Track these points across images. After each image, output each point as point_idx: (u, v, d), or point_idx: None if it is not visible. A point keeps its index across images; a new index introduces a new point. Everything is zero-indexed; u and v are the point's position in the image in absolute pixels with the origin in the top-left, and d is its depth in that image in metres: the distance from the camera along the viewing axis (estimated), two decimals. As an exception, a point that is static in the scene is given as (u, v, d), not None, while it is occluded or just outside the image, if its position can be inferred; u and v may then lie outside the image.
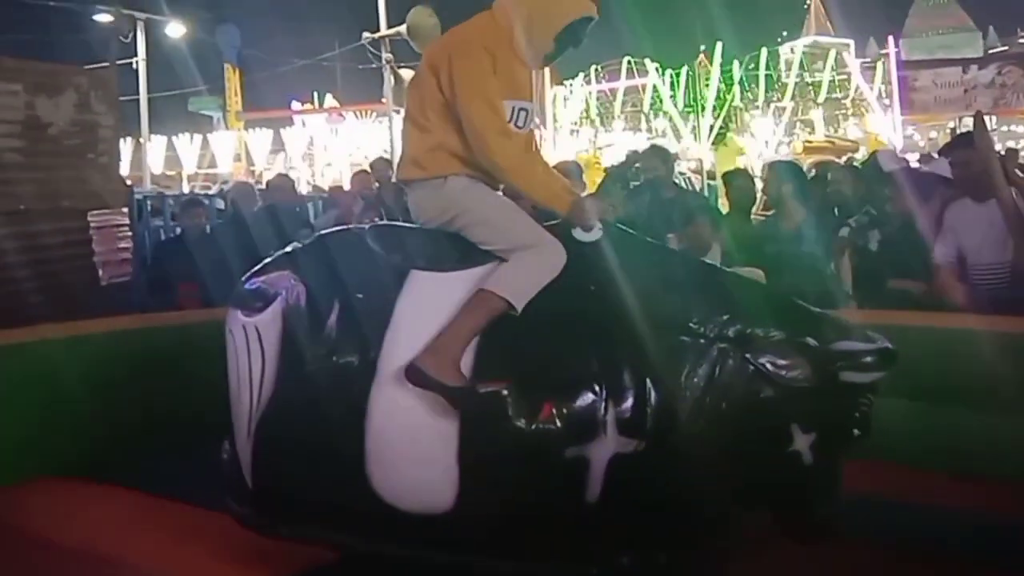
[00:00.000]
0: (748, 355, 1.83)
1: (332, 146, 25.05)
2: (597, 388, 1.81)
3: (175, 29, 16.34)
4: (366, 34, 12.02)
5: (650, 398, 1.81)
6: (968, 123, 22.65)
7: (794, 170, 4.06)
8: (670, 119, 20.99)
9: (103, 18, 13.40)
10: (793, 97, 21.24)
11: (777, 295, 2.08)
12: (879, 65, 21.54)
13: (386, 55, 11.80)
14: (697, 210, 3.90)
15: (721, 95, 20.90)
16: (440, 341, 1.84)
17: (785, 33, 27.40)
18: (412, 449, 1.82)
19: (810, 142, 19.88)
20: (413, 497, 1.84)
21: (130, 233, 4.58)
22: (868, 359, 1.84)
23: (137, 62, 13.37)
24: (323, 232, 2.24)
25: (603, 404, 1.79)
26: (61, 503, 2.68)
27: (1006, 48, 27.63)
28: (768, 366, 1.82)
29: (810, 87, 21.44)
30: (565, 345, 1.86)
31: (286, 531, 2.04)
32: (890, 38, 20.02)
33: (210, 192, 11.02)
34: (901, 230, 3.52)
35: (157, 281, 4.89)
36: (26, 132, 3.84)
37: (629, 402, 1.80)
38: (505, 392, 1.78)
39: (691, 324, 1.87)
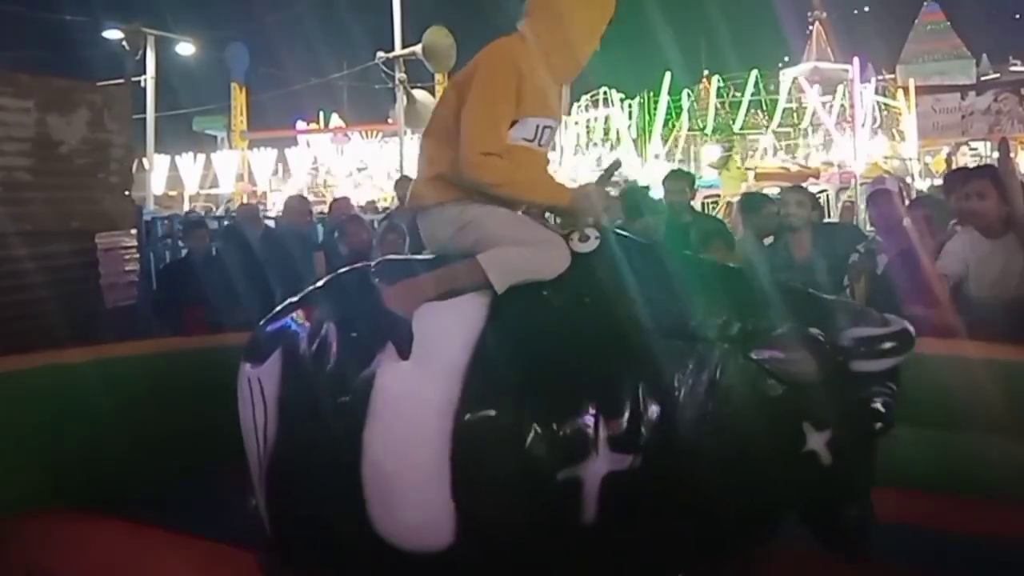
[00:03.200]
0: (751, 353, 1.72)
1: (336, 166, 25.14)
2: (589, 405, 1.73)
3: (185, 48, 16.44)
4: (380, 53, 12.08)
5: (645, 411, 1.72)
6: (964, 149, 22.92)
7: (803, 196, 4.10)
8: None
9: (113, 35, 13.46)
10: (744, 124, 21.33)
11: (779, 285, 1.93)
12: (843, 89, 21.46)
13: (400, 75, 11.84)
14: (713, 234, 3.89)
15: (671, 121, 21.10)
16: (416, 279, 1.88)
17: (787, 59, 27.69)
18: (407, 487, 1.78)
19: (764, 169, 19.85)
20: (413, 537, 1.80)
21: (137, 255, 4.56)
22: (880, 345, 1.71)
23: (145, 80, 13.41)
24: (330, 276, 2.20)
25: (595, 422, 1.72)
26: (67, 535, 2.59)
27: (998, 76, 27.93)
28: (771, 363, 1.71)
29: (764, 113, 21.52)
30: (557, 359, 1.79)
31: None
32: (855, 59, 20.06)
33: (215, 214, 11.03)
34: (901, 256, 3.50)
35: (163, 305, 4.86)
36: (37, 150, 3.78)
37: (623, 417, 1.72)
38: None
39: (690, 326, 1.77)
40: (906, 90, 23.34)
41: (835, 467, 1.74)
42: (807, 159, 21.13)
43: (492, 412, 1.76)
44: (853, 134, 18.78)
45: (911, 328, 1.77)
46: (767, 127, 21.34)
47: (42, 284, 3.56)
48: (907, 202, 4.05)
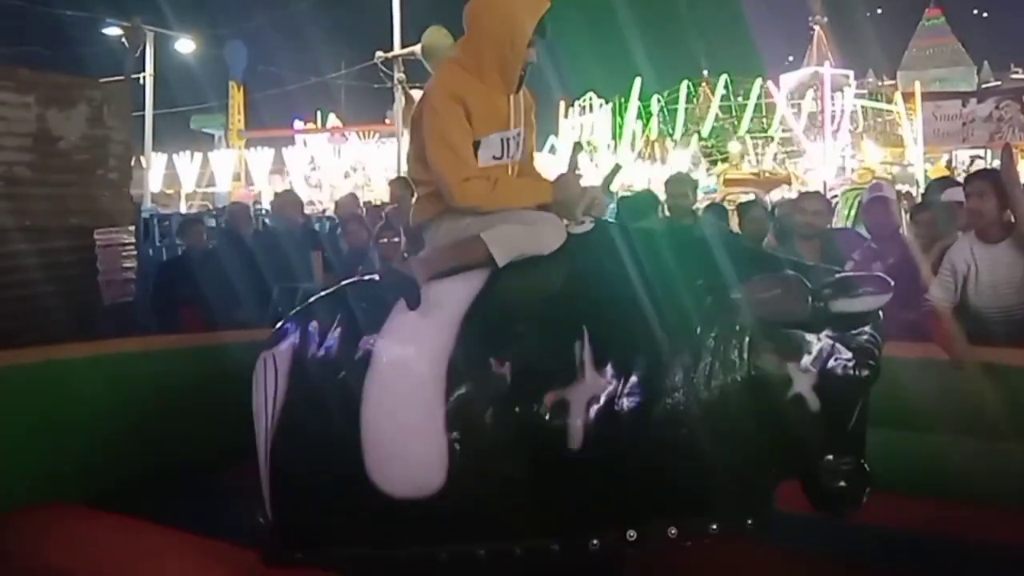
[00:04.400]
0: (734, 295, 1.76)
1: (333, 166, 25.12)
2: (578, 338, 1.79)
3: (184, 45, 16.41)
4: (379, 53, 12.09)
5: (634, 354, 1.77)
6: (963, 157, 23.01)
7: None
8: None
9: (113, 32, 13.44)
10: (713, 130, 21.37)
11: (758, 250, 2.05)
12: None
13: (399, 75, 11.85)
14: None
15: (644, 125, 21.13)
16: (427, 256, 2.09)
17: (791, 58, 27.69)
18: (403, 430, 1.87)
19: (732, 175, 19.83)
20: (406, 480, 1.87)
21: (135, 252, 4.54)
22: (859, 286, 1.73)
23: (144, 77, 13.39)
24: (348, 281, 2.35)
25: (581, 349, 1.79)
26: (64, 530, 2.59)
27: (999, 83, 28.02)
28: (754, 301, 1.73)
29: (732, 119, 21.55)
30: (550, 315, 1.89)
31: (301, 557, 2.05)
32: (826, 63, 20.05)
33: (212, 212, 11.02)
34: (899, 263, 3.51)
35: (160, 302, 4.85)
36: (37, 146, 3.77)
37: (612, 349, 1.79)
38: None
39: (679, 283, 1.83)
40: (907, 95, 23.34)
41: (823, 414, 1.73)
42: (780, 164, 21.16)
43: (483, 357, 1.86)
44: (823, 140, 18.82)
45: (884, 276, 1.81)
46: (735, 132, 21.38)
47: (41, 280, 3.55)
48: (905, 209, 4.05)
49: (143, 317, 4.50)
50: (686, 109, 21.39)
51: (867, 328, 1.75)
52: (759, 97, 21.55)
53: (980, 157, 21.67)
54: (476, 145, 2.06)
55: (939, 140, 23.00)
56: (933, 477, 2.73)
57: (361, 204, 8.51)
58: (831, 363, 1.74)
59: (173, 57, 17.27)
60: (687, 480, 1.76)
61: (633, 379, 1.76)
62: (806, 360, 1.73)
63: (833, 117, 20.77)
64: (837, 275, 1.82)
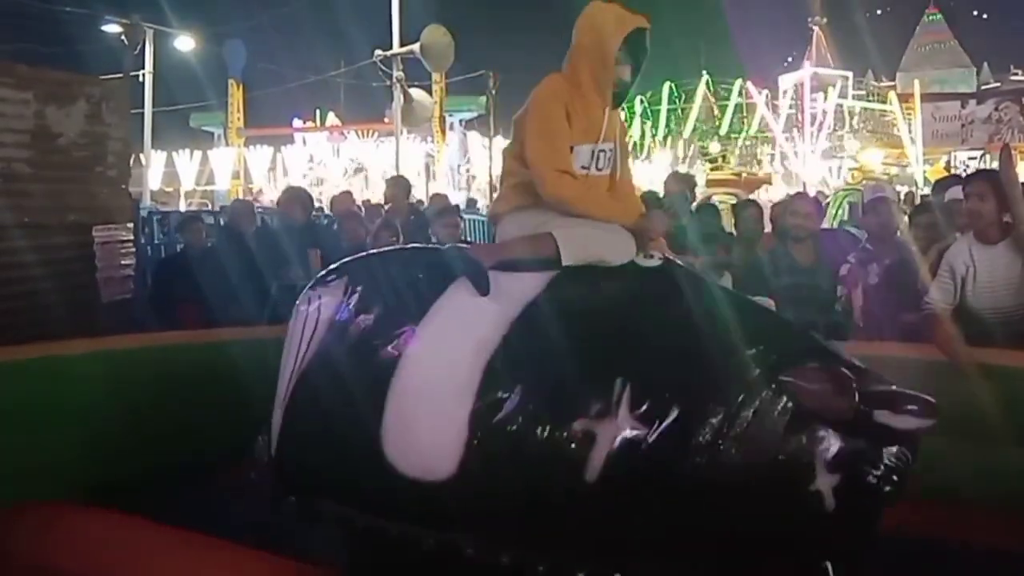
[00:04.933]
0: (781, 376, 1.75)
1: (332, 164, 25.08)
2: (619, 375, 1.78)
3: (184, 43, 16.38)
4: (378, 52, 12.07)
5: (670, 402, 1.76)
6: (962, 158, 22.98)
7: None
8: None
9: (112, 29, 13.41)
10: (695, 129, 21.37)
11: (817, 340, 2.00)
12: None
13: (397, 73, 11.84)
14: (713, 236, 3.91)
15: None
16: (495, 244, 2.16)
17: (791, 58, 27.68)
18: (428, 409, 1.86)
19: (715, 175, 19.82)
20: (419, 461, 1.86)
21: (133, 249, 4.53)
22: (908, 403, 1.71)
23: (143, 75, 13.37)
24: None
25: (621, 388, 1.77)
26: (61, 527, 2.58)
27: (998, 85, 28.01)
28: (798, 390, 1.72)
29: (715, 120, 21.54)
30: (601, 334, 1.88)
31: (293, 502, 2.06)
32: (805, 63, 20.00)
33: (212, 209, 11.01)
34: (897, 264, 3.51)
35: (158, 300, 4.84)
36: (35, 142, 3.75)
37: (649, 395, 1.77)
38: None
39: (726, 346, 1.82)
40: (905, 96, 23.31)
41: (836, 515, 1.71)
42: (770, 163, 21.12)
43: (526, 359, 1.85)
44: (803, 141, 18.80)
45: (932, 399, 1.77)
46: (716, 133, 21.39)
47: (39, 276, 3.54)
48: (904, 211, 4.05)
49: (141, 314, 4.49)
50: (669, 110, 21.43)
51: (902, 446, 1.73)
52: (740, 97, 21.58)
53: (974, 158, 21.68)
54: (570, 151, 2.14)
55: (938, 141, 23.03)
56: (929, 479, 2.73)
57: (359, 202, 8.51)
58: (858, 470, 1.71)
59: (172, 55, 17.24)
60: (684, 537, 1.74)
61: (662, 430, 1.74)
62: (835, 460, 1.71)
63: (814, 118, 20.73)
64: (889, 387, 1.78)
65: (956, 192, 3.61)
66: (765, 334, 1.88)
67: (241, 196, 18.23)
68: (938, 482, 2.70)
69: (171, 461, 2.87)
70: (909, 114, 22.25)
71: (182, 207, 18.76)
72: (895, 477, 1.71)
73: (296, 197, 5.39)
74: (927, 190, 17.42)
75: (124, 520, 2.58)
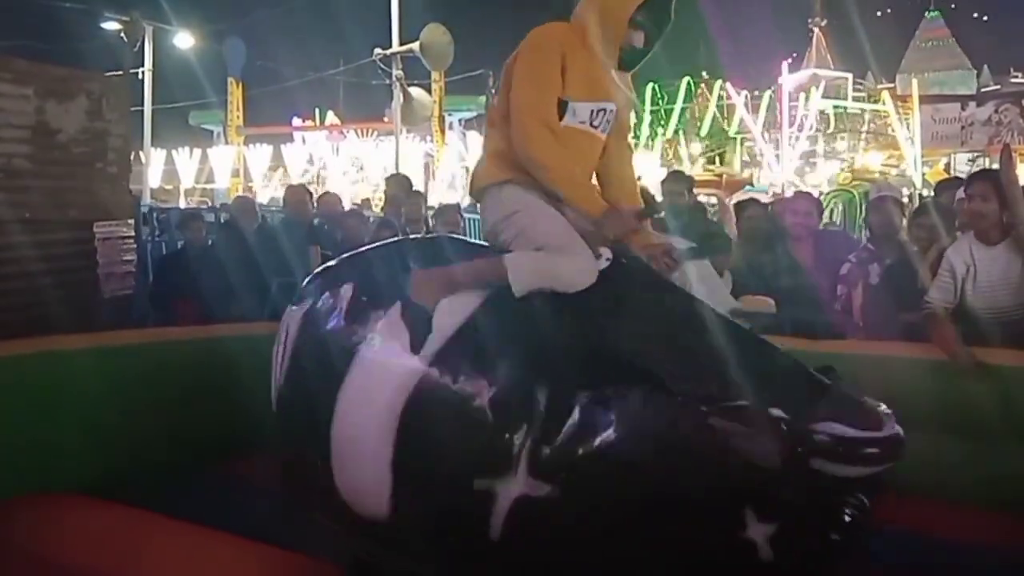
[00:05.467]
0: (709, 420, 1.56)
1: (331, 163, 25.07)
2: (525, 423, 1.66)
3: (183, 40, 16.36)
4: (378, 50, 12.05)
5: (579, 445, 1.62)
6: (962, 160, 22.99)
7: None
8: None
9: (111, 26, 13.39)
10: (677, 130, 21.34)
11: (778, 357, 1.79)
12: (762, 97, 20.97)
13: (397, 72, 11.82)
14: (710, 236, 3.89)
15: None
16: (444, 271, 1.93)
17: (791, 58, 27.59)
18: (359, 452, 1.83)
19: (696, 176, 19.78)
20: (360, 501, 1.85)
21: (134, 246, 4.53)
22: (851, 449, 1.50)
23: (143, 72, 13.36)
24: (380, 243, 2.33)
25: (523, 441, 1.65)
26: (61, 520, 2.59)
27: (998, 87, 28.01)
28: (725, 434, 1.54)
29: (698, 120, 21.51)
30: (515, 365, 1.75)
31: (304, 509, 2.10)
32: (784, 64, 19.97)
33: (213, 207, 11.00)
34: (898, 264, 3.51)
35: (158, 296, 4.85)
36: (35, 138, 3.75)
37: (552, 444, 1.63)
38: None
39: (657, 370, 1.64)
40: (903, 98, 23.26)
41: (774, 567, 1.54)
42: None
43: (441, 401, 1.76)
44: (781, 141, 18.79)
45: (901, 436, 1.58)
46: (697, 134, 21.41)
47: (40, 272, 3.54)
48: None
49: (141, 309, 4.49)
50: (652, 111, 21.45)
51: (855, 491, 1.55)
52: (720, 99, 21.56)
53: (973, 160, 21.67)
54: (564, 106, 1.96)
55: (937, 143, 23.03)
56: (928, 477, 2.74)
57: (352, 202, 8.51)
58: (798, 519, 1.54)
59: (172, 52, 17.22)
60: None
61: (573, 480, 1.62)
62: (766, 508, 1.54)
63: (793, 119, 20.70)
64: (838, 426, 1.53)
65: (957, 194, 3.63)
66: (705, 355, 1.67)
67: (241, 193, 18.22)
68: (937, 481, 2.72)
69: (171, 454, 2.87)
70: (907, 115, 22.20)
71: (182, 205, 18.75)
72: (846, 523, 1.55)
73: (299, 195, 5.41)
74: (926, 192, 17.48)
75: (124, 512, 2.59)
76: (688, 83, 21.38)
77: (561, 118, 1.98)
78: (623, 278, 1.87)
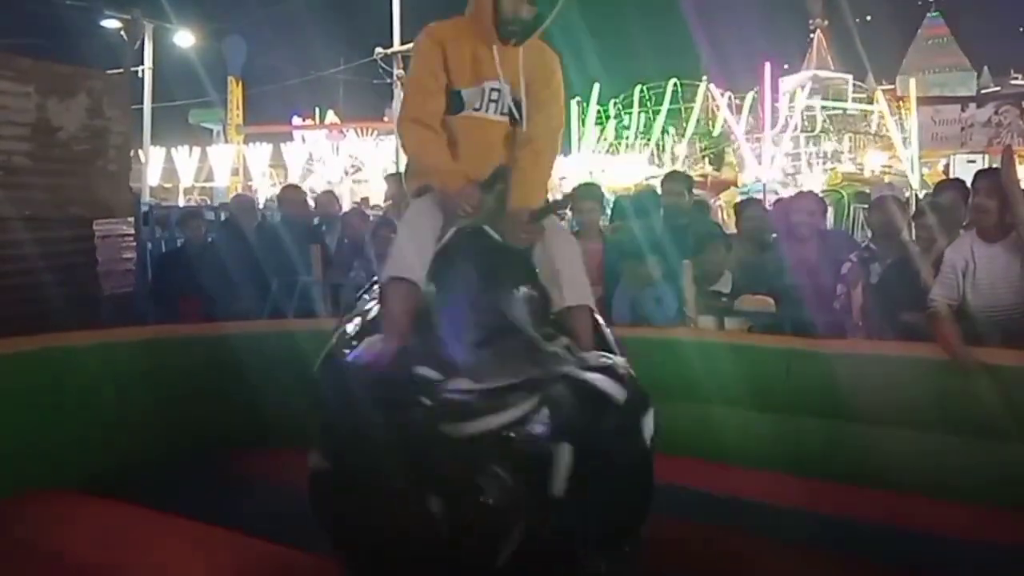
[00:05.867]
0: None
1: (331, 163, 25.06)
2: None
3: (183, 38, 16.35)
4: (379, 49, 12.06)
5: None
6: (960, 160, 22.97)
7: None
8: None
9: (111, 24, 13.39)
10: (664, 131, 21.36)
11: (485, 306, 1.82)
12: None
13: (398, 71, 11.83)
14: (710, 237, 3.90)
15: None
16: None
17: (787, 66, 27.63)
18: None
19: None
20: None
21: (134, 244, 4.53)
22: (469, 404, 1.50)
23: (143, 71, 13.35)
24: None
25: None
26: (62, 515, 2.59)
27: (998, 88, 27.99)
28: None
29: (682, 121, 21.52)
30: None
31: None
32: (767, 64, 19.96)
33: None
34: (899, 263, 3.52)
35: (158, 294, 4.84)
36: (36, 135, 3.76)
37: None
38: None
39: None
40: (902, 99, 23.22)
41: (452, 537, 1.52)
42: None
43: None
44: (763, 141, 18.77)
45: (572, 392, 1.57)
46: (682, 135, 21.45)
47: (41, 269, 3.54)
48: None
49: (141, 307, 4.49)
50: (640, 113, 21.50)
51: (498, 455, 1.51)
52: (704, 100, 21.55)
53: (972, 162, 21.63)
54: (458, 97, 2.02)
55: (937, 144, 23.00)
56: (929, 476, 2.75)
57: (353, 202, 8.50)
58: (454, 488, 1.53)
59: (172, 51, 17.21)
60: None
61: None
62: (424, 479, 1.56)
63: (776, 120, 20.66)
64: (457, 384, 1.58)
65: (955, 195, 3.64)
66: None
67: (240, 191, 18.22)
68: (938, 478, 2.72)
69: (171, 450, 2.88)
70: (903, 113, 22.12)
71: (181, 204, 18.75)
72: (492, 488, 1.51)
73: (298, 195, 5.42)
74: (923, 193, 17.42)
75: (126, 509, 2.59)
76: (676, 85, 21.38)
77: (459, 111, 2.05)
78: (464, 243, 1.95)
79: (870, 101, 23.00)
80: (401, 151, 2.11)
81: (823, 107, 22.19)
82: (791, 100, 20.79)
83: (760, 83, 20.26)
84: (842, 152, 21.84)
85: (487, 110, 2.06)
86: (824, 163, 21.19)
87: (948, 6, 33.44)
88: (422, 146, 2.03)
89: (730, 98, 21.00)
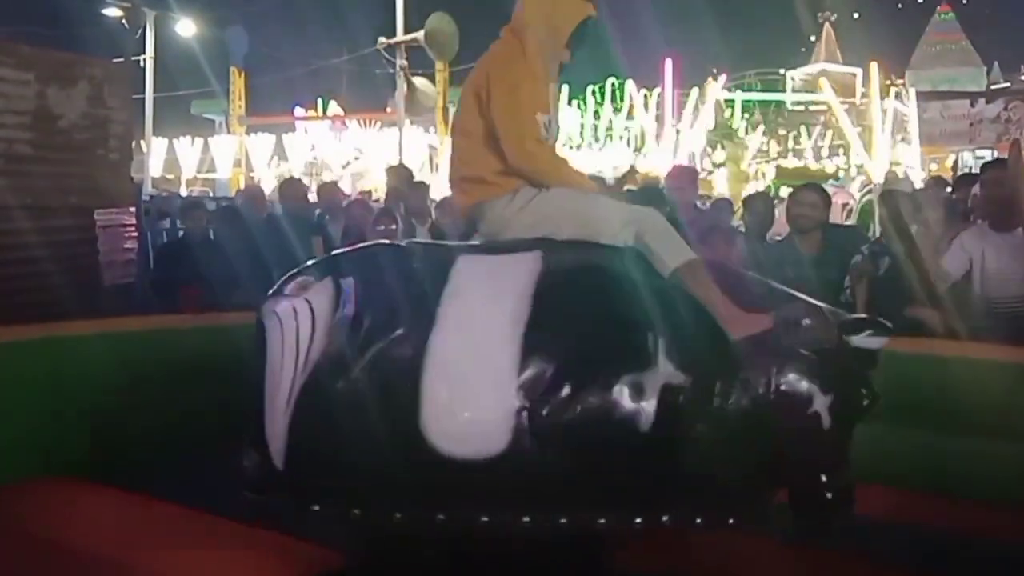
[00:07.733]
0: (774, 314, 1.97)
1: (334, 154, 25.03)
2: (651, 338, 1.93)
3: (186, 27, 16.30)
4: (382, 39, 12.00)
5: (696, 357, 1.92)
6: (966, 156, 22.90)
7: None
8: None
9: (113, 12, 13.35)
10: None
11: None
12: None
13: (401, 62, 11.77)
14: (714, 229, 3.87)
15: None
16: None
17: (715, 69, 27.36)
18: (472, 389, 1.88)
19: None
20: (469, 441, 1.86)
21: (136, 233, 4.52)
22: (874, 327, 1.96)
23: (144, 60, 13.32)
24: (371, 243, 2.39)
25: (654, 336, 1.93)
26: (64, 503, 2.60)
27: (1008, 84, 27.84)
28: (789, 327, 1.95)
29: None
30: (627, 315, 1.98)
31: (321, 508, 2.00)
32: (667, 61, 19.88)
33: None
34: (906, 258, 3.49)
35: (160, 284, 4.83)
36: (36, 124, 3.74)
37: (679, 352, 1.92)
38: None
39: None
40: (887, 89, 22.94)
41: (831, 432, 1.93)
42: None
43: (557, 329, 1.94)
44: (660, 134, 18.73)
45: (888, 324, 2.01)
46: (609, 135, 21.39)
47: (42, 257, 3.53)
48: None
49: (143, 296, 4.48)
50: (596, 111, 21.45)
51: (868, 364, 1.99)
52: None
53: (981, 157, 21.50)
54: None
55: (945, 140, 22.83)
56: (936, 474, 2.73)
57: (354, 193, 8.48)
58: (844, 388, 1.95)
59: (174, 40, 17.18)
60: (720, 476, 1.91)
61: (693, 377, 1.92)
62: (826, 382, 1.93)
63: (680, 114, 20.50)
64: (852, 316, 2.05)
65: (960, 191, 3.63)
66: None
67: (243, 184, 18.21)
68: (940, 475, 2.71)
69: (173, 440, 2.87)
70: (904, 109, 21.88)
71: (183, 194, 18.75)
72: (871, 388, 1.97)
73: (299, 188, 5.41)
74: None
75: (127, 497, 2.59)
76: (614, 86, 21.32)
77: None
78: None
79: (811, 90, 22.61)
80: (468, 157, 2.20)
81: (760, 102, 21.93)
82: (702, 94, 20.55)
83: (661, 79, 20.20)
84: (780, 146, 21.58)
85: (547, 136, 2.20)
86: (759, 158, 20.97)
87: (958, 2, 33.22)
88: (553, 164, 2.16)
89: (645, 96, 21.03)
